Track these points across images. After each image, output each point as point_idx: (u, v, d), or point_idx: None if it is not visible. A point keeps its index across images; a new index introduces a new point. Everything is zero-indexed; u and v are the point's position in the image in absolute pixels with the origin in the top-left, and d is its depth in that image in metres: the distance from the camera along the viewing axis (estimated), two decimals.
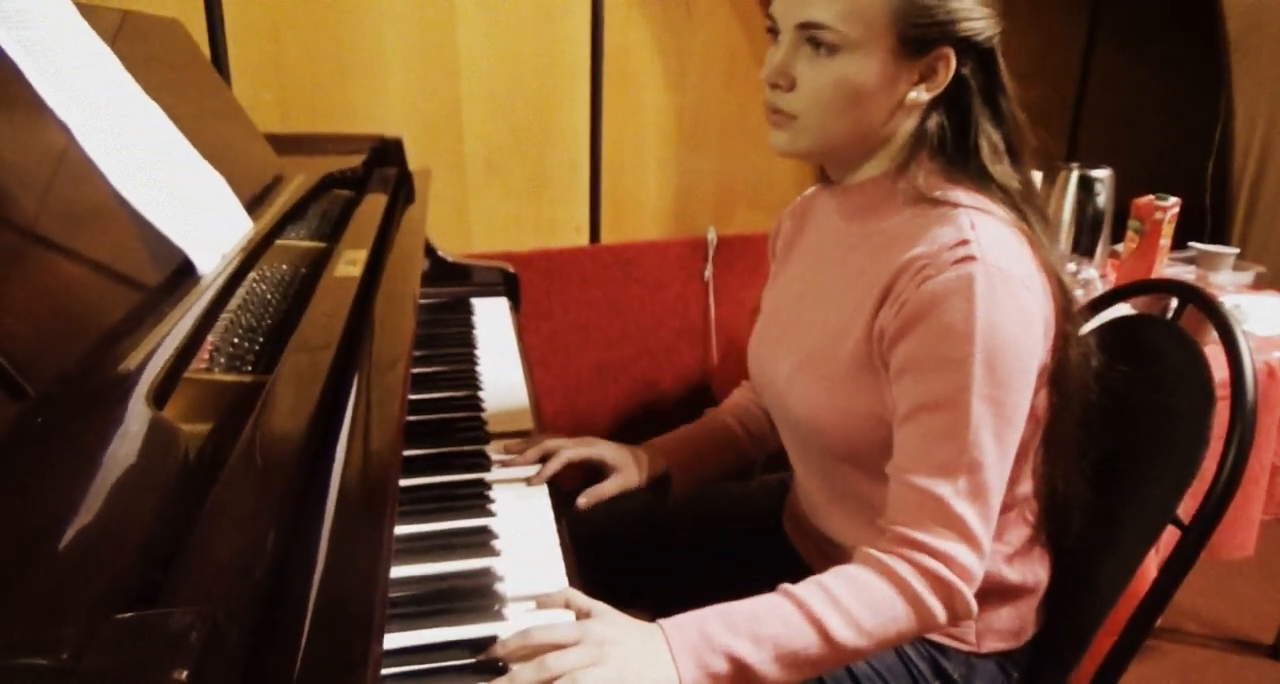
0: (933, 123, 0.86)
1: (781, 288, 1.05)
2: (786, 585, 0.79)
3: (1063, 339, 0.85)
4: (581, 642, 0.71)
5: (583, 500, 1.02)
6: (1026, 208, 0.86)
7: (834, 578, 0.80)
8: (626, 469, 1.05)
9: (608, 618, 0.76)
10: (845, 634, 0.76)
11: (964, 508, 0.79)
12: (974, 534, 0.80)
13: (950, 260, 0.79)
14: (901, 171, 0.88)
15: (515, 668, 0.69)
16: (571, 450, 1.03)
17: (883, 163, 0.89)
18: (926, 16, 0.80)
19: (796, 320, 0.98)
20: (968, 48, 0.83)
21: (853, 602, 0.77)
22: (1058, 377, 0.86)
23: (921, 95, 0.84)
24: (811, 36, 0.81)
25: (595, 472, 1.06)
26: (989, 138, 0.86)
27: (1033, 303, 0.81)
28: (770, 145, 0.89)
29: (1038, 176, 1.20)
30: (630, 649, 0.72)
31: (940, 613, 0.79)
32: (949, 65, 0.83)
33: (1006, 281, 0.79)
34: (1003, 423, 0.80)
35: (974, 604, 0.80)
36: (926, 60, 0.82)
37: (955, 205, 0.84)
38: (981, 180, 0.86)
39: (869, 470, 0.91)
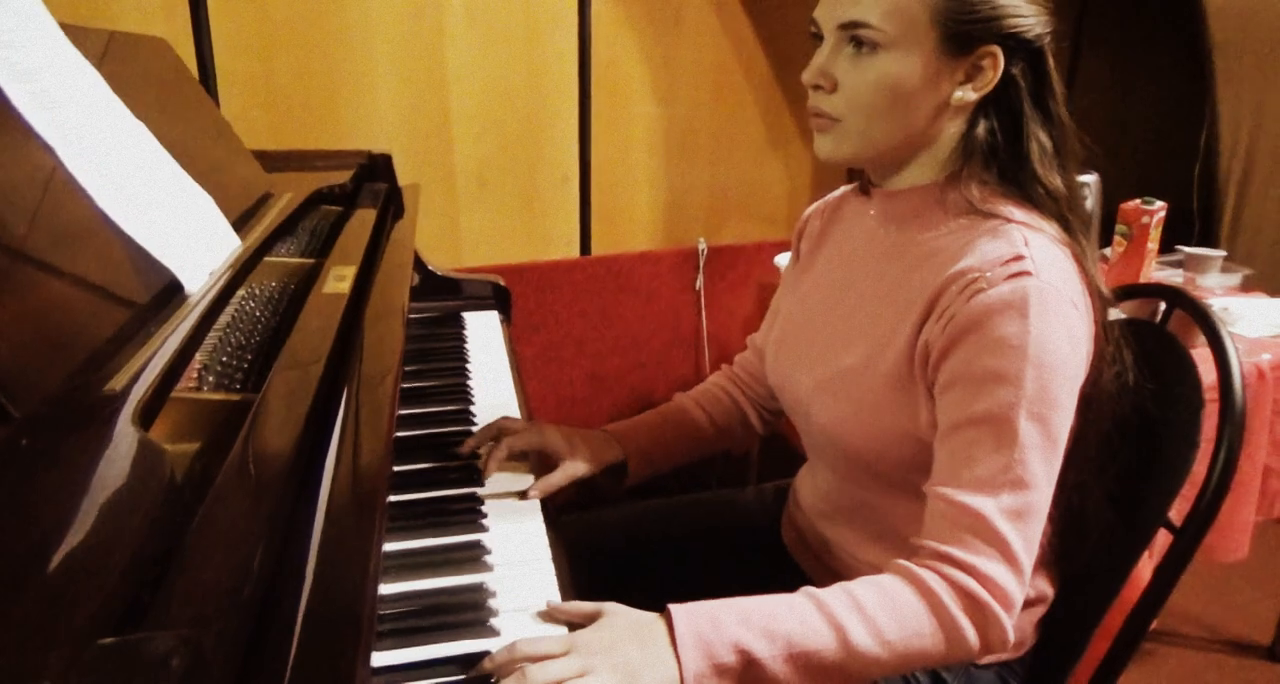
0: (982, 129, 0.84)
1: (807, 290, 1.02)
2: (809, 588, 0.77)
3: (1098, 358, 0.84)
4: (570, 653, 0.69)
5: (532, 492, 0.97)
6: (1072, 217, 0.85)
7: (861, 584, 0.77)
8: (574, 457, 1.01)
9: (607, 619, 0.73)
10: (865, 642, 0.73)
11: (1006, 527, 0.75)
12: (1015, 556, 0.75)
13: (1004, 275, 0.77)
14: (952, 182, 0.86)
15: (502, 683, 0.67)
16: (512, 439, 0.99)
17: (929, 169, 0.88)
18: (970, 13, 0.79)
19: (825, 330, 0.96)
20: (1016, 46, 0.81)
21: (878, 609, 0.74)
22: (1090, 395, 0.83)
23: (968, 95, 0.82)
24: (854, 35, 0.81)
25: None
26: (1040, 142, 0.84)
27: (1080, 324, 0.79)
28: (815, 152, 0.87)
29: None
30: (623, 655, 0.69)
31: (972, 637, 0.75)
32: (996, 64, 0.81)
33: (1059, 301, 0.77)
34: (1050, 444, 0.77)
35: (1011, 634, 0.75)
36: (971, 58, 0.81)
37: (1007, 220, 0.82)
38: (1033, 192, 0.84)
39: (889, 484, 0.90)
